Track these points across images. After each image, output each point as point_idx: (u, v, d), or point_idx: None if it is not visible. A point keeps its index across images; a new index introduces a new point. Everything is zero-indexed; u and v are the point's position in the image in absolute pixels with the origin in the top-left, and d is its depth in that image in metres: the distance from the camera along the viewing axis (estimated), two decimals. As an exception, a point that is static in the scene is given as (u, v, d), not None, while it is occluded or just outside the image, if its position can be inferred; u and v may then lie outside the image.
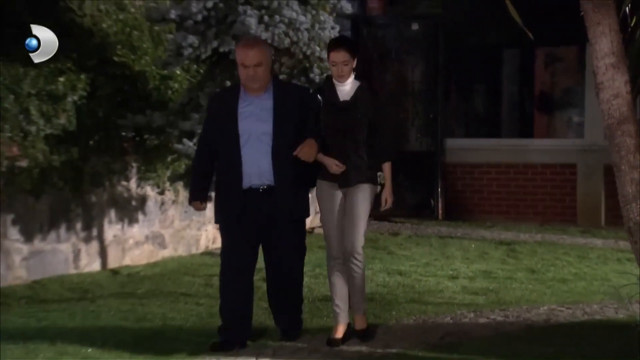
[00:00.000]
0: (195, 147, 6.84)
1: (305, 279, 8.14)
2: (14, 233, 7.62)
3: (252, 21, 7.76)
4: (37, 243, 7.83)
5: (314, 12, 8.20)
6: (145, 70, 8.93)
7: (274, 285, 6.05)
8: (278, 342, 6.01)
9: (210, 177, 5.98)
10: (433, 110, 12.57)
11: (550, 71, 13.03)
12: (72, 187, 8.13)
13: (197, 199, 5.93)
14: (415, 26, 12.49)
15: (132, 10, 9.28)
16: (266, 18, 7.87)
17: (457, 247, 10.24)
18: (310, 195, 6.10)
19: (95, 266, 8.42)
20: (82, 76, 7.97)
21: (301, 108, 5.79)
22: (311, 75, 8.12)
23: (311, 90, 6.25)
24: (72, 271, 8.14)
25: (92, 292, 7.59)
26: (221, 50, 8.01)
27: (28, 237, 7.74)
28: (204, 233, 9.82)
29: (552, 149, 12.32)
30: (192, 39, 7.93)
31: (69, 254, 8.17)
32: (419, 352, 5.84)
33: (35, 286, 7.63)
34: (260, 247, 5.96)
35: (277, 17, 7.87)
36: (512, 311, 6.97)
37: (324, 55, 8.15)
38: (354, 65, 5.83)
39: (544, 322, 6.66)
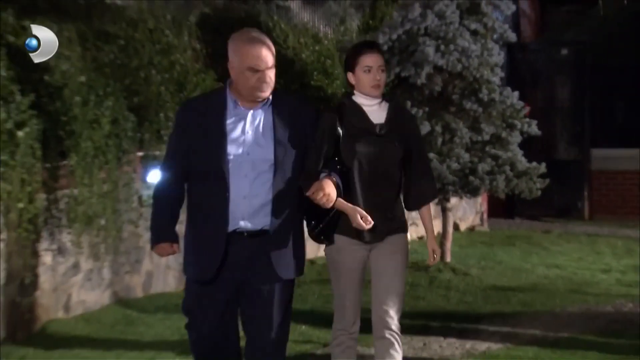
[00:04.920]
0: None
1: (474, 271, 8.01)
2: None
3: (430, 50, 7.71)
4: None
5: (483, 40, 8.08)
6: (337, 92, 9.01)
7: None
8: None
9: (177, 211, 3.79)
10: (580, 124, 12.46)
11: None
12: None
13: (164, 240, 3.73)
14: (564, 51, 12.44)
15: (326, 42, 9.40)
16: (442, 47, 7.80)
17: (605, 244, 9.90)
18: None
19: (296, 257, 8.50)
20: (287, 99, 8.13)
21: (303, 125, 3.75)
22: (480, 95, 7.99)
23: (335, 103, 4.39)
24: (279, 260, 8.25)
25: (297, 279, 7.67)
26: (402, 75, 7.99)
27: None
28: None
29: (689, 157, 11.82)
30: (378, 66, 7.95)
31: (275, 246, 8.17)
32: (588, 336, 5.68)
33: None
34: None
35: (451, 46, 7.79)
36: (669, 302, 6.71)
37: (492, 77, 8.02)
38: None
39: (702, 313, 6.37)
